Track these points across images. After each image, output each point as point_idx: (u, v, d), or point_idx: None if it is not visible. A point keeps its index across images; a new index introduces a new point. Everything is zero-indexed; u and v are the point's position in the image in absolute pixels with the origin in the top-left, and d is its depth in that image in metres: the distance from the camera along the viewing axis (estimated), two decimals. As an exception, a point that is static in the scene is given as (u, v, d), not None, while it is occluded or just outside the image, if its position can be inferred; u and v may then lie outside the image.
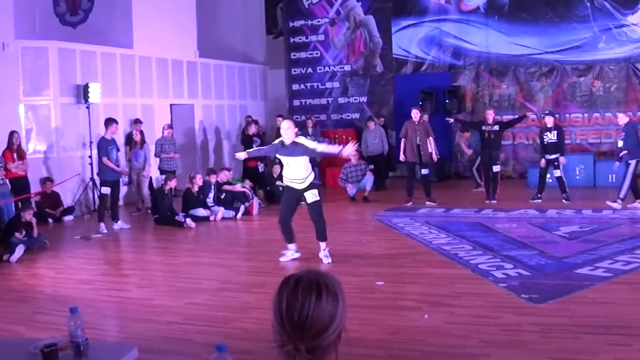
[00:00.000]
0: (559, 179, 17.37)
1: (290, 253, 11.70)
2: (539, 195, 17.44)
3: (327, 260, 11.35)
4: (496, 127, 17.70)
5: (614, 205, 15.81)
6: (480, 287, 9.47)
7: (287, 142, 11.14)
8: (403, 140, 18.00)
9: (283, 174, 11.73)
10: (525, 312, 8.18)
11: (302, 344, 2.53)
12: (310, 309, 2.54)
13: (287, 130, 11.11)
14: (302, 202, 11.73)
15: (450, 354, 7.02)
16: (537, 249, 11.77)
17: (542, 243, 12.29)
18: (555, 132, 17.33)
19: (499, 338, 7.30)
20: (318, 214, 11.49)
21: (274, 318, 2.62)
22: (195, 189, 16.83)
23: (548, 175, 17.70)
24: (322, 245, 11.53)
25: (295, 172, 11.26)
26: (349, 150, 11.28)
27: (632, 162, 15.86)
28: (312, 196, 11.39)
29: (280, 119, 21.14)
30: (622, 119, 16.50)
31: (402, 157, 18.00)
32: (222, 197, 17.38)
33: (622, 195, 15.85)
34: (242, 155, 12.39)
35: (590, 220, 14.56)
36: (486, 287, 9.48)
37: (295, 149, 11.11)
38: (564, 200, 17.10)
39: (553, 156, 17.33)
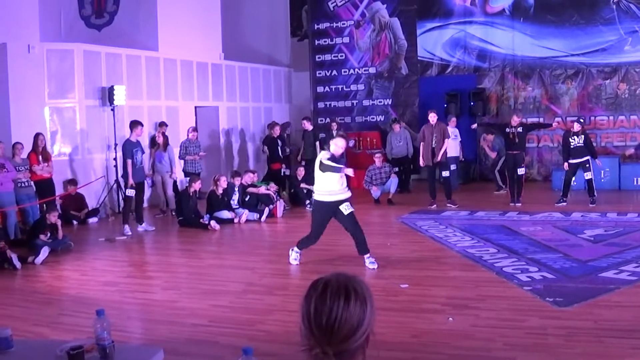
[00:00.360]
0: (589, 181, 17.27)
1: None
2: (564, 199, 17.35)
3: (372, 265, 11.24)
4: (520, 129, 17.61)
5: None
6: (505, 290, 9.43)
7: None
8: (422, 144, 18.04)
9: (330, 187, 11.22)
10: (550, 315, 8.14)
11: (329, 348, 2.52)
12: (339, 312, 2.53)
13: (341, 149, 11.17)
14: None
15: (474, 357, 7.00)
16: (562, 252, 11.71)
17: (567, 246, 12.23)
18: (582, 136, 17.24)
19: (523, 341, 7.27)
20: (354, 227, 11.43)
21: (301, 321, 2.61)
22: (220, 191, 16.86)
23: (573, 179, 17.62)
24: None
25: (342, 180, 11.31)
26: (350, 172, 11.33)
27: None
28: (346, 208, 11.27)
29: (306, 121, 21.28)
30: None
31: (421, 162, 18.02)
32: (247, 199, 17.40)
33: None
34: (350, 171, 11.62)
35: (615, 224, 14.47)
36: (511, 290, 9.45)
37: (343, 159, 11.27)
38: (590, 204, 17.01)
39: (581, 160, 17.23)
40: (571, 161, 17.38)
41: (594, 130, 21.93)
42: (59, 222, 13.79)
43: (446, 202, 17.68)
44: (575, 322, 7.80)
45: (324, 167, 10.77)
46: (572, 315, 8.10)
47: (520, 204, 17.33)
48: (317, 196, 11.35)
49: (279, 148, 20.79)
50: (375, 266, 11.12)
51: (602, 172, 19.61)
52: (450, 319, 8.13)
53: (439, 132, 17.81)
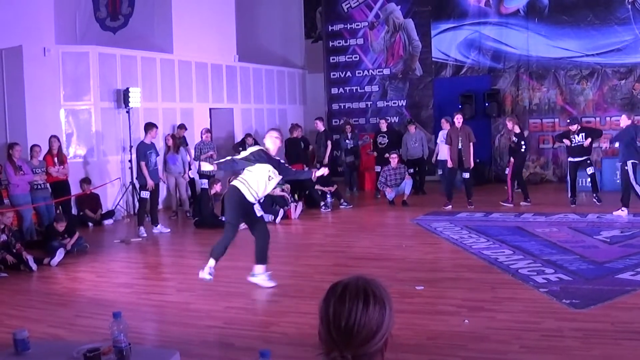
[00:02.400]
0: (592, 176, 17.40)
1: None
2: (573, 199, 17.34)
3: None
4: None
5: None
6: (520, 292, 9.40)
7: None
8: (449, 147, 18.10)
9: (255, 189, 10.42)
10: (566, 317, 8.10)
11: (348, 351, 2.52)
12: (358, 316, 2.53)
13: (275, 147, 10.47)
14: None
15: (490, 359, 6.98)
16: (578, 253, 11.66)
17: (583, 248, 12.19)
18: (583, 134, 17.18)
19: (539, 344, 7.25)
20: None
21: (320, 325, 2.61)
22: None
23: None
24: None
25: (269, 187, 10.64)
26: (322, 171, 11.13)
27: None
28: (258, 209, 10.65)
29: (318, 121, 21.27)
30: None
31: (449, 163, 18.00)
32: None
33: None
34: (208, 167, 10.84)
35: (631, 225, 14.42)
36: (527, 292, 9.41)
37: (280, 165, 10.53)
38: (596, 201, 17.12)
39: (581, 159, 17.31)
40: (571, 159, 17.49)
41: (609, 130, 21.83)
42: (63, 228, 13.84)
43: (467, 204, 17.67)
44: (591, 324, 7.77)
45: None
46: (588, 317, 8.07)
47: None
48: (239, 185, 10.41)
49: (302, 150, 20.93)
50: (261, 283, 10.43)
51: (618, 173, 19.53)
52: (466, 321, 8.10)
53: (465, 134, 17.80)
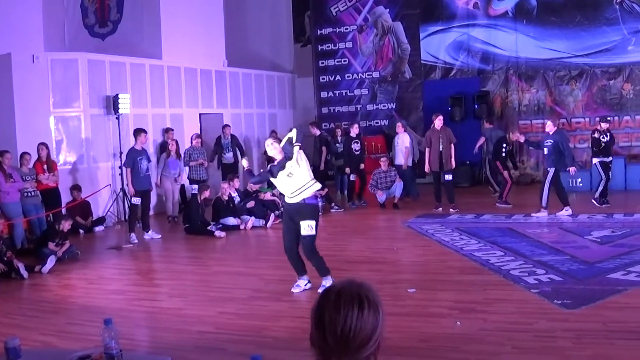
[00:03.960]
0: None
1: (304, 283, 10.32)
2: (606, 200, 17.35)
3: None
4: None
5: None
6: (512, 294, 9.42)
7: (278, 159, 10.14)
8: (428, 149, 18.01)
9: (287, 193, 10.13)
10: (558, 318, 8.12)
11: (345, 357, 2.52)
12: (353, 322, 2.53)
13: (276, 152, 10.13)
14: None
15: (483, 361, 7.00)
16: (569, 254, 11.69)
17: (574, 248, 12.21)
18: (609, 134, 17.27)
19: (532, 344, 7.26)
20: (310, 250, 10.12)
21: (314, 331, 2.60)
22: (225, 197, 16.90)
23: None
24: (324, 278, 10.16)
25: (301, 179, 10.02)
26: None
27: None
28: (307, 228, 9.98)
29: (312, 127, 21.26)
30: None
31: (427, 168, 18.02)
32: (252, 206, 17.33)
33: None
34: (245, 163, 11.19)
35: (622, 225, 14.46)
36: (518, 293, 9.43)
37: (285, 153, 10.08)
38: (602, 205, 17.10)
39: (610, 158, 17.53)
40: (604, 159, 17.46)
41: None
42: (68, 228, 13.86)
43: (450, 207, 17.63)
44: (583, 324, 7.79)
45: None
46: (580, 318, 8.09)
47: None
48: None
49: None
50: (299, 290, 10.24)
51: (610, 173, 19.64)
52: (458, 323, 8.11)
53: (445, 136, 17.77)
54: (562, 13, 22.70)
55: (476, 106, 23.42)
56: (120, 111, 18.18)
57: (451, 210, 17.52)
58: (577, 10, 22.51)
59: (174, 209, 18.52)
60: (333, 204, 19.04)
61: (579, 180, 20.32)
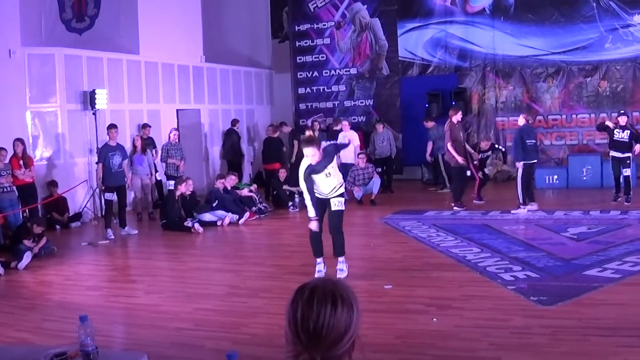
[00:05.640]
0: (627, 178, 17.05)
1: (323, 266, 10.65)
2: (618, 195, 17.29)
3: (342, 274, 10.49)
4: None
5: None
6: (489, 290, 9.45)
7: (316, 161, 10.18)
8: (451, 144, 17.27)
9: (318, 190, 10.43)
10: (534, 314, 8.16)
11: (317, 353, 2.52)
12: (326, 319, 2.54)
13: (314, 157, 10.08)
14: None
15: (459, 357, 7.01)
16: (545, 250, 11.75)
17: (550, 244, 12.28)
18: (628, 131, 17.05)
19: (508, 341, 7.29)
20: (337, 227, 10.54)
21: (288, 328, 2.61)
22: (179, 193, 16.71)
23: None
24: (341, 259, 10.68)
25: (335, 179, 10.40)
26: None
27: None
28: (337, 203, 10.44)
29: (286, 127, 21.30)
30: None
31: (460, 160, 17.30)
32: (215, 204, 17.19)
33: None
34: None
35: (598, 221, 14.53)
36: (495, 289, 9.47)
37: (326, 155, 10.23)
38: (625, 202, 16.87)
39: (623, 155, 17.06)
40: (613, 154, 17.24)
41: (575, 128, 22.09)
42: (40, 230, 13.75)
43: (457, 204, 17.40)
44: (559, 321, 7.82)
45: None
46: (556, 314, 8.12)
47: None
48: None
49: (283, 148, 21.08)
50: (345, 274, 10.51)
51: (584, 169, 19.72)
52: (435, 319, 8.13)
53: (464, 130, 17.71)
54: (539, 10, 22.78)
55: (453, 103, 23.40)
56: (97, 106, 18.08)
57: (456, 207, 17.26)
58: (554, 7, 22.59)
59: (148, 206, 18.37)
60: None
61: (555, 177, 20.43)
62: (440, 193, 20.31)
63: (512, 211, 16.03)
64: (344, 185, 10.71)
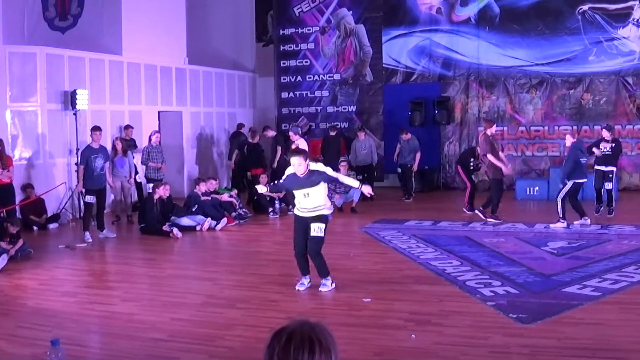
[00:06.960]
0: (609, 192, 17.33)
1: (307, 282, 10.66)
2: (600, 207, 17.50)
3: (323, 288, 10.45)
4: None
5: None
6: (468, 306, 9.40)
7: (301, 174, 10.33)
8: (492, 155, 16.81)
9: (299, 205, 10.61)
10: (513, 333, 8.11)
11: None
12: None
13: (299, 167, 10.25)
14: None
15: (437, 377, 6.96)
16: (525, 265, 11.72)
17: (530, 259, 12.25)
18: (613, 144, 17.29)
19: (486, 361, 7.24)
20: (315, 251, 10.45)
21: None
22: (158, 196, 16.61)
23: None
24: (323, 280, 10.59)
25: (315, 201, 10.40)
26: (368, 189, 11.03)
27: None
28: (316, 229, 10.39)
29: (270, 130, 21.16)
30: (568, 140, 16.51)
31: (509, 171, 17.50)
32: (194, 209, 17.09)
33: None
34: (262, 189, 12.30)
35: (578, 236, 14.52)
36: (474, 305, 9.42)
37: (313, 178, 10.34)
38: (608, 214, 17.09)
39: (607, 168, 17.34)
40: (597, 168, 17.45)
41: (557, 139, 22.07)
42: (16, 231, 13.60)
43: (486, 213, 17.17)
44: (538, 340, 7.79)
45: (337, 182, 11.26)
46: (535, 333, 8.08)
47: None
48: (296, 211, 10.81)
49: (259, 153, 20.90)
50: (327, 289, 10.47)
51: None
52: (413, 336, 8.07)
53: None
54: (524, 21, 22.82)
55: (436, 112, 23.44)
56: (77, 107, 17.96)
57: (491, 219, 16.90)
58: (539, 19, 22.63)
59: (127, 209, 18.23)
60: (291, 207, 18.91)
61: (536, 188, 20.43)
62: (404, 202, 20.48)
63: (550, 225, 15.86)
64: (330, 208, 10.75)
